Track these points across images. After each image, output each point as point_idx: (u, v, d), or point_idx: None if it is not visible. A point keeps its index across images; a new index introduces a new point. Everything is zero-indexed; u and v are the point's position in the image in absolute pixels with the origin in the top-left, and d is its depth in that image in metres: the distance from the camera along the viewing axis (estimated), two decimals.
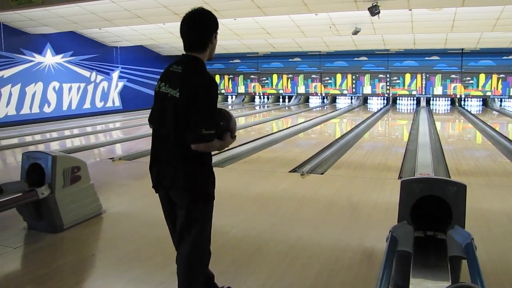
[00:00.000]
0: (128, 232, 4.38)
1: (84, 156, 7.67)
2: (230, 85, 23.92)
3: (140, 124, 14.00)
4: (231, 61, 23.28)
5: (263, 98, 24.00)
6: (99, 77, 18.10)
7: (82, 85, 17.17)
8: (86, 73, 17.35)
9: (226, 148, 2.76)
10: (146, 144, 9.78)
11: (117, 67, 19.16)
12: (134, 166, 7.67)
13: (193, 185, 2.51)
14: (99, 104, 18.15)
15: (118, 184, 6.42)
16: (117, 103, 19.22)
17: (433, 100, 21.17)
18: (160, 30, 15.73)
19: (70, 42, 16.35)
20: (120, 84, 19.36)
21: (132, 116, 16.87)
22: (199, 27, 2.48)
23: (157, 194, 2.76)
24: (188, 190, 2.51)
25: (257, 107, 21.96)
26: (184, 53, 2.60)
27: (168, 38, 17.43)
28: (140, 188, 6.19)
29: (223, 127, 2.56)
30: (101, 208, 4.87)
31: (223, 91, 24.10)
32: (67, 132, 12.34)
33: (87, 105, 17.48)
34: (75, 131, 12.48)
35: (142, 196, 5.75)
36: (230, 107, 22.62)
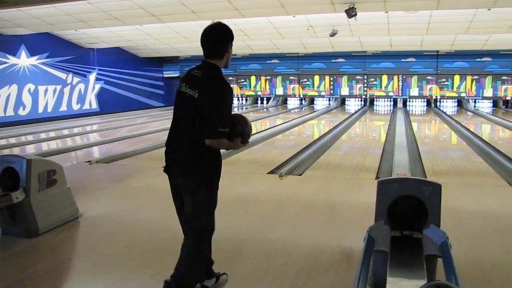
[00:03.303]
0: (106, 236, 4.33)
1: (61, 159, 7.58)
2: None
3: (118, 126, 13.88)
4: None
5: (242, 100, 23.98)
6: (76, 79, 17.88)
7: (58, 87, 16.94)
8: (62, 75, 17.12)
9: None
10: (125, 146, 9.70)
11: (94, 69, 18.95)
12: (112, 168, 7.59)
13: (198, 172, 2.89)
14: (75, 107, 17.93)
15: (95, 187, 6.34)
16: (94, 105, 19.01)
17: (409, 101, 21.41)
18: (138, 32, 15.63)
19: (46, 43, 16.12)
20: (97, 86, 19.15)
21: (110, 118, 16.70)
22: (217, 38, 2.89)
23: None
24: (193, 177, 2.89)
25: (236, 109, 21.93)
26: (204, 59, 2.98)
27: (146, 40, 17.33)
28: (118, 191, 6.13)
29: (239, 131, 2.92)
30: (78, 212, 4.81)
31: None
32: (43, 135, 12.16)
33: (63, 107, 17.26)
34: (51, 134, 12.32)
35: (120, 199, 5.70)
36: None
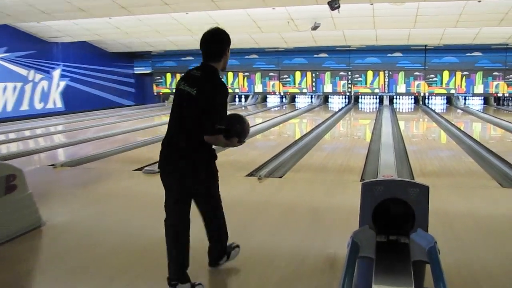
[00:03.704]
0: (71, 246, 4.28)
1: (22, 163, 7.46)
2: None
3: (85, 126, 13.74)
4: (183, 58, 23.11)
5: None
6: (38, 76, 17.64)
7: (19, 84, 16.68)
8: (23, 71, 16.87)
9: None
10: (92, 149, 9.60)
11: (59, 65, 18.73)
12: (78, 173, 7.51)
13: (189, 170, 3.26)
14: (38, 106, 17.69)
15: (60, 193, 6.26)
16: (59, 104, 18.79)
17: (396, 98, 21.63)
18: (106, 25, 15.49)
19: (4, 36, 15.84)
20: (62, 84, 18.92)
21: (76, 118, 16.51)
22: (216, 42, 3.33)
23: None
24: (187, 176, 3.27)
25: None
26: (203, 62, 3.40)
27: (115, 34, 17.17)
28: (85, 196, 6.07)
29: (237, 130, 3.28)
30: (40, 220, 4.73)
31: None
32: (2, 137, 11.95)
33: (24, 106, 17.00)
34: (11, 136, 12.12)
35: (87, 205, 5.63)
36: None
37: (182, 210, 3.36)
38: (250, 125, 3.40)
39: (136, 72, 23.88)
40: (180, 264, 3.28)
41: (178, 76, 23.31)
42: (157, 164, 3.44)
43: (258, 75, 22.58)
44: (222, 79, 3.31)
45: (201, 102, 3.16)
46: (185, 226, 3.36)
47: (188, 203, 3.38)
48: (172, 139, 3.33)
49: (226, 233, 3.67)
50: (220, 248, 3.63)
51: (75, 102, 19.41)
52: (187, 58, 23.05)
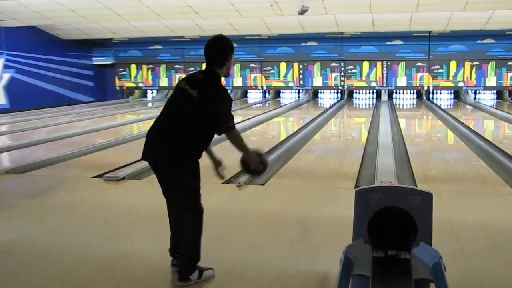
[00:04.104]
0: (19, 266, 4.23)
1: None
2: (150, 77, 23.67)
3: (35, 126, 13.61)
4: (150, 47, 23.06)
5: None
6: None
7: None
8: None
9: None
10: (43, 152, 9.52)
11: (1, 53, 18.53)
12: (26, 180, 7.44)
13: (183, 160, 3.82)
14: None
15: (5, 205, 6.20)
16: (2, 100, 18.57)
17: (396, 93, 21.77)
18: (59, 7, 15.33)
19: None
20: (6, 76, 18.70)
21: (23, 117, 16.34)
22: (219, 48, 3.90)
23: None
24: (179, 164, 3.81)
25: None
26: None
27: (70, 17, 17.00)
28: (35, 209, 6.01)
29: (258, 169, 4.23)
30: None
31: (140, 84, 23.80)
32: None
33: None
34: None
35: (38, 218, 5.59)
36: (150, 104, 22.39)
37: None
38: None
39: (95, 63, 23.74)
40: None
41: (145, 68, 23.58)
42: (140, 156, 4.07)
43: (237, 66, 22.57)
44: (222, 84, 3.94)
45: (202, 105, 3.71)
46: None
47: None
48: (163, 130, 3.85)
49: (192, 248, 3.89)
50: (183, 260, 3.86)
51: (22, 98, 19.18)
52: (155, 47, 23.01)
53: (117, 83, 24.01)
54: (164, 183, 4.01)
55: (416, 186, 6.20)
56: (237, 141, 3.99)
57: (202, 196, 4.04)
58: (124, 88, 24.11)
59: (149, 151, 3.97)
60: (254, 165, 4.14)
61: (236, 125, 3.95)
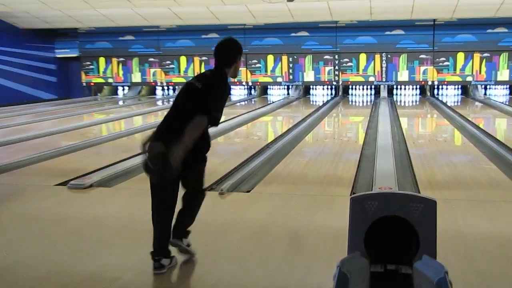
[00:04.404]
0: None
1: None
2: (121, 72, 23.62)
3: None
4: (121, 38, 23.00)
5: (168, 89, 23.89)
6: None
7: None
8: None
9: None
10: (0, 157, 9.44)
11: None
12: None
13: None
14: None
15: None
16: None
17: (396, 88, 21.85)
18: None
19: None
20: None
21: None
22: (227, 48, 4.52)
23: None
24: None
25: (159, 103, 21.80)
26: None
27: (28, 4, 16.94)
28: None
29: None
30: None
31: (110, 80, 23.72)
32: None
33: None
34: None
35: None
36: (121, 102, 22.34)
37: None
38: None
39: (58, 55, 23.65)
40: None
41: (115, 61, 23.48)
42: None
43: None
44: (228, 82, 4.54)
45: (204, 93, 4.28)
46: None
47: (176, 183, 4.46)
48: (171, 124, 4.39)
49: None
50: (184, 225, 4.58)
51: None
52: (127, 37, 22.95)
53: (84, 78, 23.92)
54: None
55: (419, 193, 6.21)
56: (195, 130, 4.23)
57: (178, 204, 4.30)
58: (92, 84, 24.03)
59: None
60: (159, 161, 4.27)
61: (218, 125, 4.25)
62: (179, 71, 23.02)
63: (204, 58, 22.56)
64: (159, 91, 24.03)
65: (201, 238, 5.08)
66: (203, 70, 22.52)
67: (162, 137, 4.36)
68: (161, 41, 22.81)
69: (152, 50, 22.99)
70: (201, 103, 4.27)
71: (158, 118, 16.28)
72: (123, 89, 24.47)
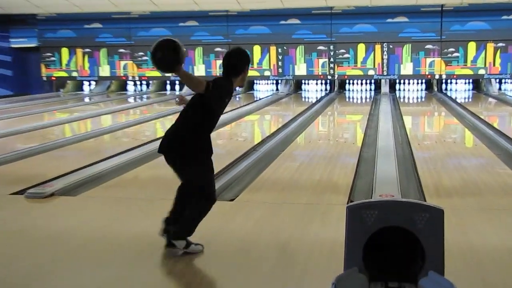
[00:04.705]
0: None
1: None
2: (87, 65, 23.54)
3: None
4: (87, 26, 22.93)
5: (141, 84, 23.85)
6: None
7: None
8: None
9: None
10: None
11: None
12: None
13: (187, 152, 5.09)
14: None
15: None
16: None
17: (399, 83, 21.93)
18: None
19: None
20: None
21: None
22: (236, 59, 5.18)
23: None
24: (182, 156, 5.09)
25: (131, 100, 21.75)
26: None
27: None
28: None
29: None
30: None
31: (74, 73, 23.62)
32: None
33: None
34: None
35: None
36: (87, 99, 22.29)
37: None
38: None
39: (13, 45, 23.55)
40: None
41: (80, 53, 23.43)
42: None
43: (198, 50, 22.59)
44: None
45: (208, 88, 4.83)
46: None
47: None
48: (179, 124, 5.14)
49: (191, 224, 5.05)
50: (176, 228, 5.03)
51: None
52: (94, 25, 22.88)
53: (44, 72, 23.83)
54: (178, 166, 5.20)
55: (425, 201, 6.23)
56: (192, 80, 5.03)
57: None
58: (53, 78, 23.95)
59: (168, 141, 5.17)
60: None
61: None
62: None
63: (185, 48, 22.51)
64: (130, 87, 24.03)
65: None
66: None
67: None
68: (132, 30, 22.76)
69: (123, 40, 22.94)
70: (205, 98, 4.93)
71: (129, 117, 16.30)
72: (90, 84, 24.42)
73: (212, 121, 5.25)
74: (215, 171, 8.38)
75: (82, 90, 24.31)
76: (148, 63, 22.92)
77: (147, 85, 23.83)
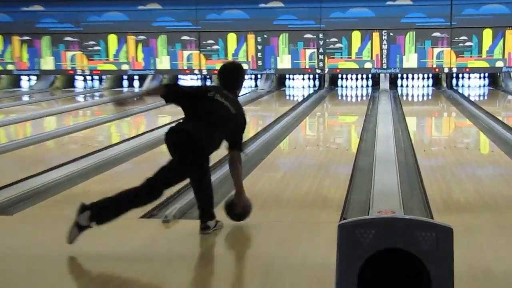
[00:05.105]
0: None
1: None
2: (25, 56, 23.42)
3: None
4: (25, 9, 22.81)
5: (92, 80, 23.79)
6: None
7: None
8: None
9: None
10: None
11: None
12: None
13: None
14: None
15: None
16: None
17: (402, 78, 22.01)
18: None
19: None
20: None
21: None
22: (237, 76, 6.40)
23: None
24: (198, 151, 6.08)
25: (80, 98, 21.71)
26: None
27: None
28: None
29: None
30: None
31: (10, 66, 23.45)
32: None
33: None
34: None
35: None
36: (26, 98, 22.20)
37: None
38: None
39: None
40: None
41: (17, 41, 23.30)
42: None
43: (161, 39, 22.57)
44: None
45: (236, 124, 6.20)
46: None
47: None
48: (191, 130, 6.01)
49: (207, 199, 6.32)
50: (206, 208, 6.24)
51: None
52: (33, 7, 22.73)
53: None
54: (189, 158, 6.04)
55: (431, 218, 6.27)
56: (240, 169, 6.52)
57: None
58: None
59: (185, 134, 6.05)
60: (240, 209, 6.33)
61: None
62: (107, 55, 22.93)
63: (141, 37, 22.50)
64: (79, 83, 23.94)
65: (142, 278, 5.10)
66: (140, 53, 22.67)
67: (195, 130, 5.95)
68: (82, 14, 22.69)
69: (70, 26, 22.86)
70: (232, 130, 6.22)
71: (78, 119, 16.25)
72: (29, 80, 24.31)
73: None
74: (182, 184, 8.49)
75: (20, 86, 24.19)
76: (101, 54, 22.86)
77: (100, 80, 23.77)
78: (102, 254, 5.83)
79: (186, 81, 23.15)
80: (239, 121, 6.31)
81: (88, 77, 23.83)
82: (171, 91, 6.50)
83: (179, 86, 8.19)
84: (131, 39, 22.58)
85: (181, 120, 6.35)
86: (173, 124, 6.34)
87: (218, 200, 7.73)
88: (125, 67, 22.84)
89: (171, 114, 16.19)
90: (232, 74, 6.42)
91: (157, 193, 5.90)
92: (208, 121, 6.04)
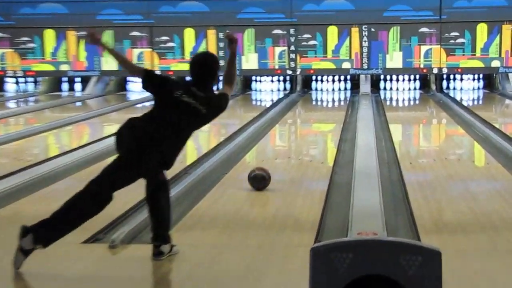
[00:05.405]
0: None
1: None
2: None
3: None
4: None
5: (25, 82, 23.72)
6: None
7: None
8: None
9: None
10: None
11: None
12: None
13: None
14: None
15: None
16: None
17: (385, 80, 22.12)
18: None
19: None
20: None
21: None
22: (209, 69, 6.45)
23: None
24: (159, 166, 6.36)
25: (12, 104, 21.65)
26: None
27: None
28: None
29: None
30: None
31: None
32: None
33: None
34: None
35: None
36: None
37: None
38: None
39: None
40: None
41: None
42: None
43: (108, 35, 22.52)
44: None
45: (209, 117, 6.46)
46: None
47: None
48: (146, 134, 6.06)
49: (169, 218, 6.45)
50: (163, 231, 6.32)
51: None
52: None
53: None
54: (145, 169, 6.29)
55: (418, 240, 6.33)
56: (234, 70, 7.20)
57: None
58: None
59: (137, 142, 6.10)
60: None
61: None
62: (43, 54, 22.86)
63: (82, 33, 22.40)
64: (10, 85, 23.82)
65: None
66: (82, 51, 22.62)
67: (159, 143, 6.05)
68: (13, 5, 22.60)
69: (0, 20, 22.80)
70: (205, 122, 6.47)
71: (9, 128, 16.17)
72: None
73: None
74: (131, 204, 8.53)
75: None
76: (35, 53, 22.77)
77: (35, 82, 23.69)
78: (46, 284, 5.82)
79: (136, 84, 23.09)
80: (213, 115, 6.52)
81: (21, 79, 23.72)
82: (152, 77, 6.70)
83: (160, 77, 7.75)
84: (71, 35, 22.52)
85: (142, 116, 6.37)
86: (132, 118, 6.42)
87: (174, 220, 7.81)
88: (64, 67, 22.75)
89: (118, 123, 16.17)
90: (202, 68, 6.44)
91: (106, 196, 6.08)
92: (170, 123, 6.11)
